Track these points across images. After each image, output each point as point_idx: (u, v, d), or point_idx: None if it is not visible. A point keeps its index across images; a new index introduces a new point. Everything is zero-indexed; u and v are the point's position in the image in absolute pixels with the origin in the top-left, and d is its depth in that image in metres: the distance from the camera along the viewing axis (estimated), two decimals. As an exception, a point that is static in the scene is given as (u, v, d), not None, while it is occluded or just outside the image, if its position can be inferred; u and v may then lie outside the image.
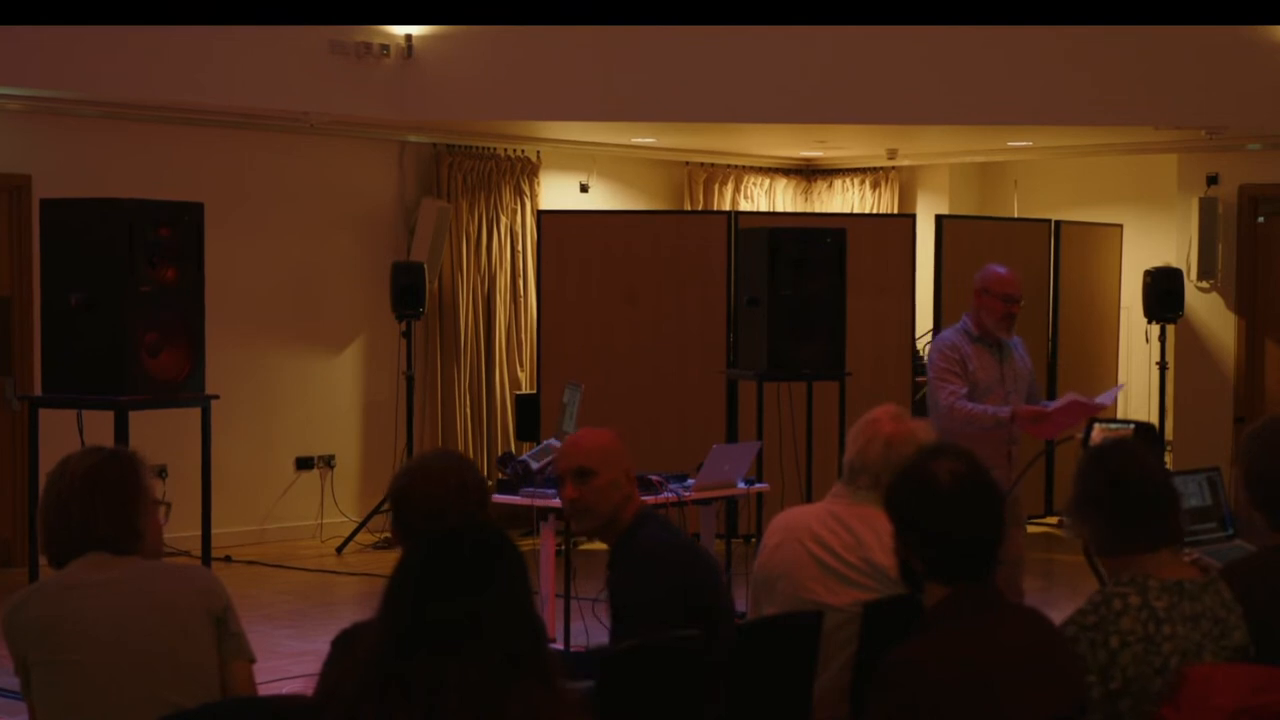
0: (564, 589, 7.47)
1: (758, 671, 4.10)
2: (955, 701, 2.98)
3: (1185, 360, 11.48)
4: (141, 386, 6.73)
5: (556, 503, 7.17)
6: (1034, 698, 3.07)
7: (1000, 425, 6.56)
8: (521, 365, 11.55)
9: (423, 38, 9.82)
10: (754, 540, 7.96)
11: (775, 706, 4.13)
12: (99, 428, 6.46)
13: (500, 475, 7.61)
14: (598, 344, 10.49)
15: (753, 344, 8.62)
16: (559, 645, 7.23)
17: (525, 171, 11.61)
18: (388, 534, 10.53)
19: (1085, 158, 12.50)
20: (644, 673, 3.85)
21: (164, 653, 3.54)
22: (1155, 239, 11.98)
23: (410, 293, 10.45)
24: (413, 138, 11.08)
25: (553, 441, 7.79)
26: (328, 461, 10.87)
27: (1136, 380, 11.52)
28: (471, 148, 11.33)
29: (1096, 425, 5.99)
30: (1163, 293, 11.06)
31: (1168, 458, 10.68)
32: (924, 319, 11.05)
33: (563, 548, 7.92)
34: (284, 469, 10.71)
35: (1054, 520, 11.19)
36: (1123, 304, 11.98)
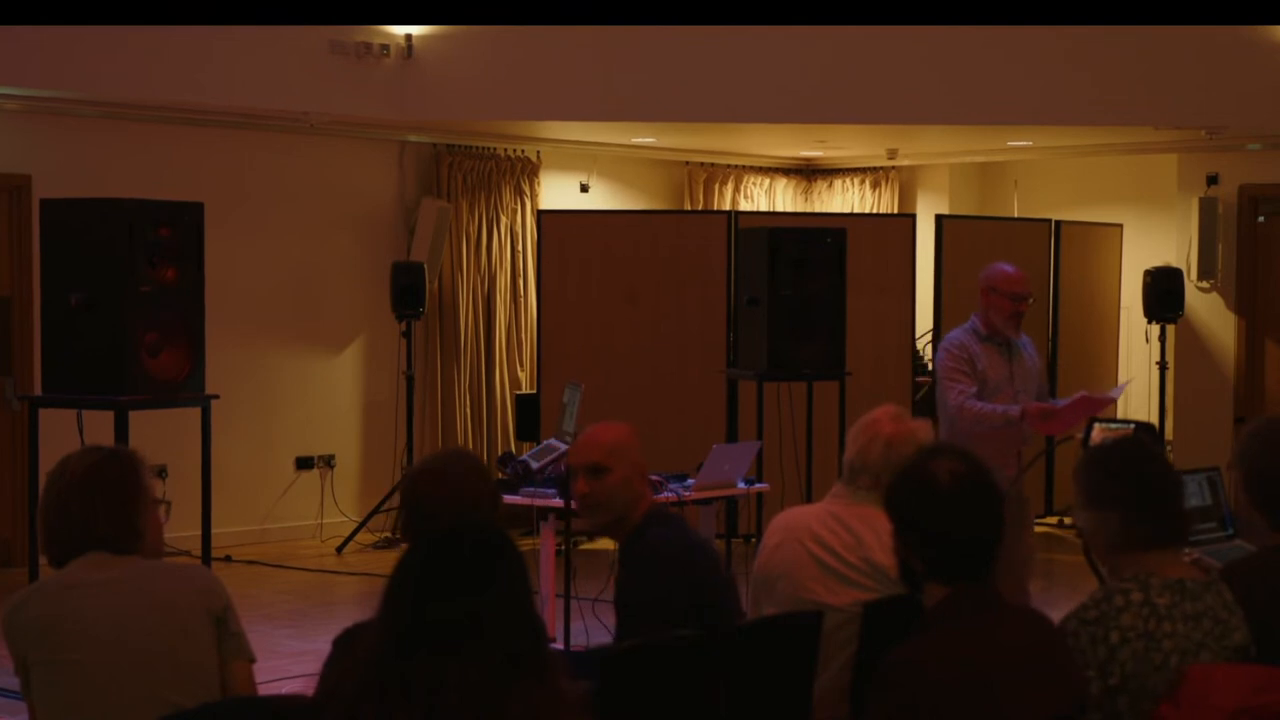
0: (564, 589, 7.46)
1: (758, 671, 4.10)
2: (955, 702, 2.98)
3: (1185, 360, 11.48)
4: (141, 386, 6.72)
5: (557, 503, 7.18)
6: (1034, 698, 3.07)
7: (1010, 424, 6.51)
8: (521, 365, 11.55)
9: (423, 38, 9.82)
10: (754, 540, 7.96)
11: (775, 706, 4.13)
12: (99, 428, 6.46)
13: (500, 475, 7.61)
14: (598, 344, 10.48)
15: (753, 344, 8.61)
16: (559, 645, 7.23)
17: (525, 171, 11.60)
18: (388, 534, 10.54)
19: (1085, 158, 12.50)
20: (645, 672, 3.85)
21: (164, 652, 3.53)
22: (1155, 239, 11.98)
23: (410, 293, 10.45)
24: (413, 138, 11.08)
25: (553, 441, 7.79)
26: (328, 461, 10.87)
27: (1136, 380, 11.50)
28: (471, 148, 11.33)
29: (1096, 425, 5.98)
30: (1163, 293, 11.06)
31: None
32: (924, 319, 11.05)
33: (563, 548, 7.92)
34: (284, 469, 10.71)
35: (1054, 520, 11.19)
36: (1123, 304, 11.98)
